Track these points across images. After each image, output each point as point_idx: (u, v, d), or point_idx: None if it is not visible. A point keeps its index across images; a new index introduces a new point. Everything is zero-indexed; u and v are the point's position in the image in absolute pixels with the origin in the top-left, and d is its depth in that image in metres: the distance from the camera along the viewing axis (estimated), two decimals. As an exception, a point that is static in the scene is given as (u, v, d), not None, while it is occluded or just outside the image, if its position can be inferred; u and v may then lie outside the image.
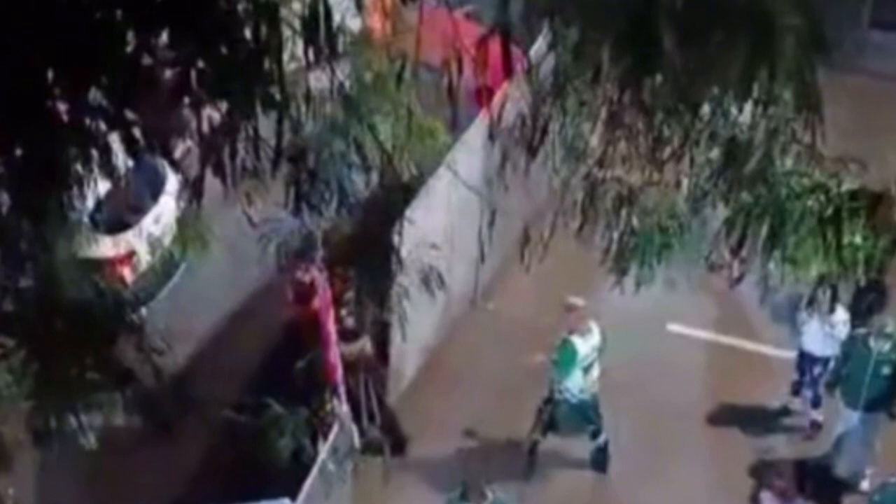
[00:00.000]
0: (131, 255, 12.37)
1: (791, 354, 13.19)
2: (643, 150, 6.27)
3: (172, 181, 12.62)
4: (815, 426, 13.02)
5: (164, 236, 12.42)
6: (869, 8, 16.83)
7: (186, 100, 4.88)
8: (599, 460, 12.73)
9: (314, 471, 9.86)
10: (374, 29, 8.35)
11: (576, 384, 12.16)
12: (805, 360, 12.80)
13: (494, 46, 6.11)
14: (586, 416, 12.41)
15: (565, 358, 12.14)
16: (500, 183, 7.01)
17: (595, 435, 12.59)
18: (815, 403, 12.95)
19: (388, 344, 12.24)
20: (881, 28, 16.64)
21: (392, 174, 6.91)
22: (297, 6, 6.35)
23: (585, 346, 12.14)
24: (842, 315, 12.18)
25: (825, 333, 12.37)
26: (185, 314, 11.37)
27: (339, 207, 6.75)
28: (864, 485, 12.27)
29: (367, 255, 9.74)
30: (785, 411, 13.24)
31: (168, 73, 4.85)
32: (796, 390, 13.07)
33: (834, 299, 11.65)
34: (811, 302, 11.96)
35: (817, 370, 12.70)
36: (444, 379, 13.43)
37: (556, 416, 12.36)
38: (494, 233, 7.68)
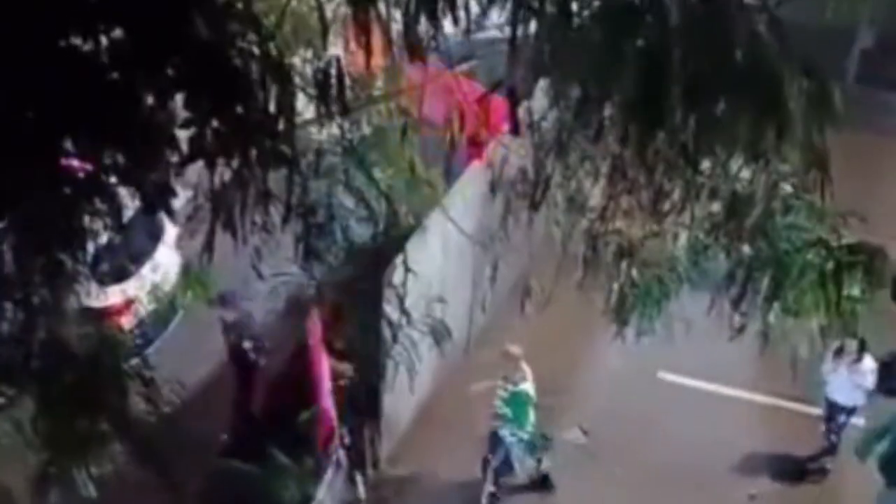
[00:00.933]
0: (130, 303, 12.45)
1: (789, 405, 13.24)
2: (644, 204, 6.37)
3: (170, 231, 12.69)
4: (822, 472, 13.02)
5: (163, 283, 12.51)
6: (854, 64, 17.12)
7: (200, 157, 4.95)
8: (549, 485, 12.87)
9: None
10: (374, 82, 8.49)
11: (530, 423, 12.27)
12: (831, 409, 12.72)
13: (495, 102, 6.22)
14: (535, 448, 12.52)
15: (520, 407, 12.20)
16: (501, 233, 7.12)
17: (540, 462, 12.73)
18: (830, 451, 12.93)
19: (381, 393, 12.26)
20: (865, 83, 16.89)
21: (394, 224, 7.00)
22: (301, 61, 6.48)
23: (531, 387, 12.26)
24: (869, 364, 12.20)
25: (853, 383, 12.33)
26: (184, 361, 11.37)
27: (346, 258, 6.84)
28: None
29: (367, 304, 9.84)
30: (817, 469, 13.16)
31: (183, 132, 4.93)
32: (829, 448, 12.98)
33: (862, 349, 11.88)
34: (840, 351, 12.16)
35: (842, 419, 12.65)
36: (438, 428, 13.45)
37: (511, 459, 12.44)
38: (489, 281, 7.77)
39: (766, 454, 13.30)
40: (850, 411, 12.57)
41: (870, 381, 12.21)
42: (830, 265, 6.20)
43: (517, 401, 12.14)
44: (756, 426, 13.69)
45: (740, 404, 13.85)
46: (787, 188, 6.09)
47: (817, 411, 13.31)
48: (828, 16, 5.01)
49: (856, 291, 6.33)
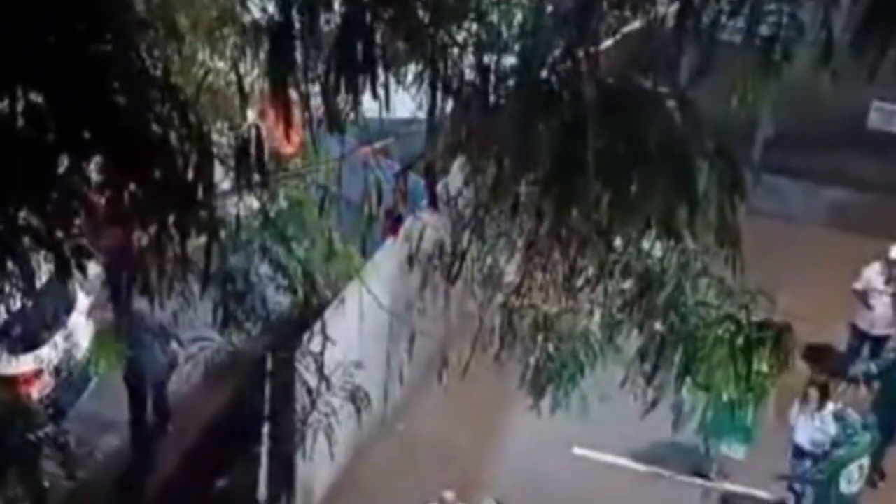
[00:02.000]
0: (40, 372, 12.28)
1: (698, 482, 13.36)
2: (559, 280, 6.46)
3: (83, 299, 12.57)
4: None
5: (76, 351, 12.35)
6: (759, 152, 17.61)
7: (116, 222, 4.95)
8: None
9: None
10: (292, 156, 8.55)
11: None
12: (796, 455, 13.03)
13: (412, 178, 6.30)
14: None
15: None
16: (418, 306, 7.16)
17: None
18: (797, 499, 13.17)
19: (296, 463, 12.16)
20: (771, 172, 17.34)
21: (312, 294, 7.03)
22: (219, 133, 6.52)
23: None
24: (830, 408, 12.68)
25: (814, 428, 12.72)
26: (98, 430, 11.24)
27: (264, 326, 6.85)
28: None
29: (284, 372, 9.79)
30: None
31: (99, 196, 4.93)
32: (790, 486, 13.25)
33: (825, 397, 12.39)
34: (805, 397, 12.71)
35: (807, 463, 12.94)
36: (354, 496, 13.37)
37: None
38: (405, 354, 7.80)
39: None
40: (815, 459, 12.84)
41: (831, 426, 12.59)
42: (740, 341, 6.30)
43: None
44: (669, 500, 13.76)
45: (652, 480, 13.93)
46: (697, 266, 6.22)
47: (729, 486, 13.46)
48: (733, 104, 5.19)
49: (764, 367, 6.43)
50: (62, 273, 5.23)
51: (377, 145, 6.98)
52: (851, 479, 12.62)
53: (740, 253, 5.61)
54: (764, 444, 13.23)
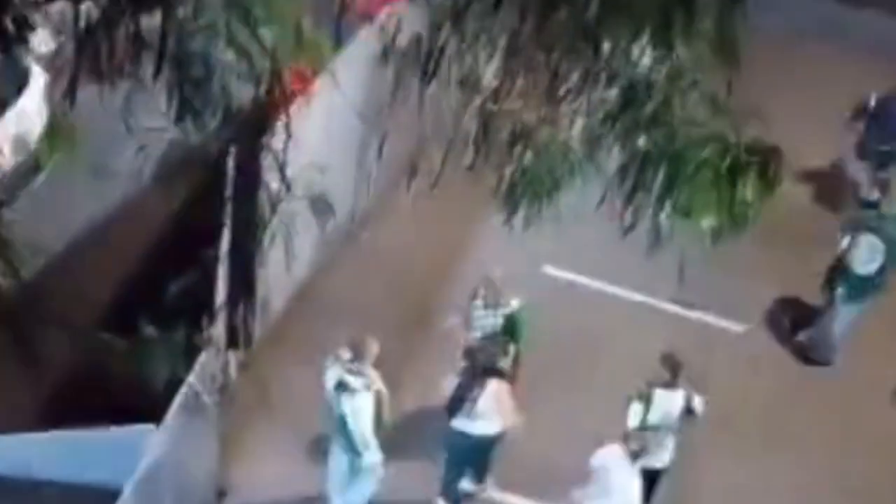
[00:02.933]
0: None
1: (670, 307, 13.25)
2: (540, 86, 6.13)
3: (38, 80, 11.99)
4: None
5: (28, 137, 11.83)
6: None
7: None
8: None
9: (179, 397, 9.52)
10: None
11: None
12: None
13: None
14: None
15: (521, 328, 11.73)
16: (390, 108, 6.80)
17: None
18: None
19: (254, 271, 11.87)
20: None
21: (277, 87, 6.61)
22: None
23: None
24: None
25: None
26: (48, 224, 10.83)
27: (224, 118, 6.45)
28: None
29: (244, 170, 9.44)
30: None
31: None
32: None
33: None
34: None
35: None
36: (317, 310, 13.18)
37: None
38: (374, 160, 7.45)
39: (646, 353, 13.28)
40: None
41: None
42: (726, 163, 5.98)
43: (517, 322, 11.65)
44: (643, 326, 13.63)
45: (623, 303, 13.80)
46: (688, 79, 5.88)
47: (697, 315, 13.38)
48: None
49: (748, 195, 6.13)
50: (5, 47, 4.87)
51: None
52: None
53: (738, 65, 5.26)
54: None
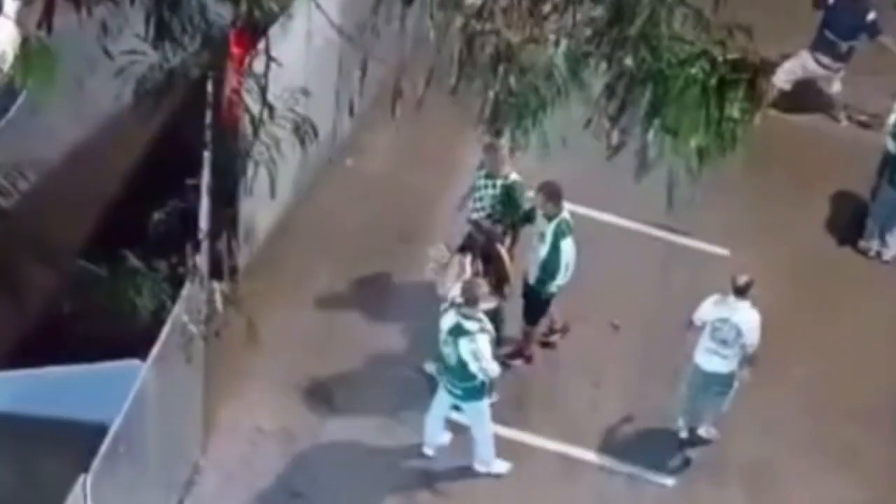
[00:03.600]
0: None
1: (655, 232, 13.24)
2: (524, 4, 6.02)
3: (10, 2, 11.72)
4: None
5: (2, 61, 11.56)
6: None
7: None
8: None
9: (166, 329, 9.42)
10: None
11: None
12: None
13: None
14: None
15: (516, 200, 12.03)
16: (371, 28, 6.67)
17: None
18: None
19: (237, 199, 11.73)
20: None
21: (257, 7, 6.46)
22: None
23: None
24: None
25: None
26: (26, 151, 10.63)
27: (203, 42, 6.31)
28: None
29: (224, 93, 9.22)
30: None
31: None
32: None
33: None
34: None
35: None
36: (300, 238, 13.08)
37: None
38: (356, 83, 7.29)
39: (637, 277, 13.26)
40: None
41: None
42: (714, 81, 5.90)
43: (511, 194, 11.94)
44: (625, 250, 13.57)
45: (609, 228, 13.72)
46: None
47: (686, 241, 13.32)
48: None
49: (736, 112, 6.06)
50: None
51: None
52: None
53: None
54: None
